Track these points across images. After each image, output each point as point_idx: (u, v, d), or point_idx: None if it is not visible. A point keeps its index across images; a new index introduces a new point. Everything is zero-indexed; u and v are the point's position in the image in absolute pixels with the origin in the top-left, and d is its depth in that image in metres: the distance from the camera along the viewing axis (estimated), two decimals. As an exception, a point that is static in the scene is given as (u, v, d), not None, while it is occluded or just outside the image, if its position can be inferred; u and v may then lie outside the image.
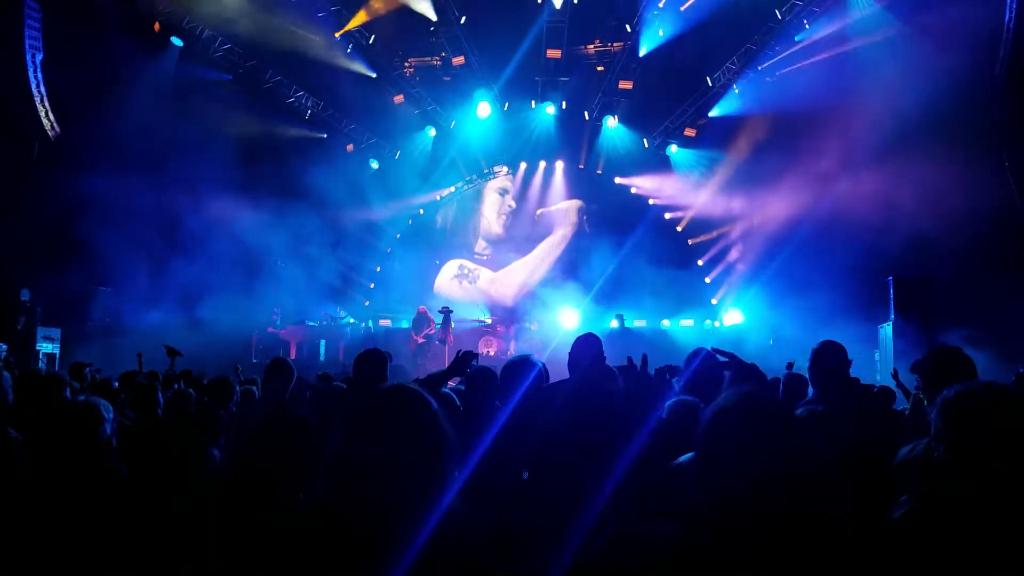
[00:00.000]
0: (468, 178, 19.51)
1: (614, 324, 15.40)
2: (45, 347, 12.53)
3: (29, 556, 2.93)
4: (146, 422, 4.73)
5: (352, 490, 1.81)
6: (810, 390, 4.10)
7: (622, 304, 17.96)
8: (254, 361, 15.00)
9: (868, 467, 2.68)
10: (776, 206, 15.28)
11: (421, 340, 15.68)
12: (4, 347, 11.08)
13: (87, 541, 2.98)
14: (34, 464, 3.33)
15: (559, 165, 19.40)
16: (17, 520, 3.00)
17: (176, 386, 6.16)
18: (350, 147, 18.48)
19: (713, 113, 16.50)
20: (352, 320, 17.42)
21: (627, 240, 18.70)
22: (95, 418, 3.16)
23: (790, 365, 6.94)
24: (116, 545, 3.05)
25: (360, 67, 17.14)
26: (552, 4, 16.40)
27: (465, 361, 4.44)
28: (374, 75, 17.41)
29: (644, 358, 4.78)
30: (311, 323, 16.60)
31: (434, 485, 1.85)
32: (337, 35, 16.48)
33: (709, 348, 4.45)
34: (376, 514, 1.78)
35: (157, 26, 14.28)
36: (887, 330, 11.77)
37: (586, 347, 4.18)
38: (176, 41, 14.45)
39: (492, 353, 15.73)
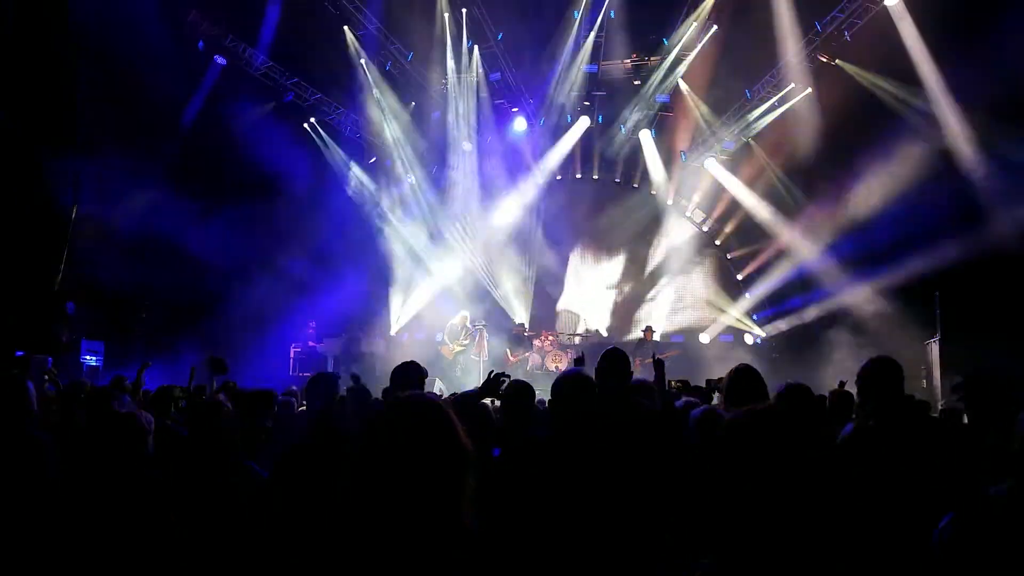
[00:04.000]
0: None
1: (648, 337, 15.22)
2: (89, 360, 12.77)
3: (61, 561, 2.96)
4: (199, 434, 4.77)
5: (367, 499, 1.79)
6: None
7: (656, 317, 17.85)
8: (291, 374, 15.18)
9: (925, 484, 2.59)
10: (817, 219, 15.10)
11: (459, 349, 15.46)
12: (49, 359, 11.31)
13: (125, 548, 3.00)
14: (73, 470, 3.38)
15: (594, 180, 19.40)
16: (47, 522, 3.04)
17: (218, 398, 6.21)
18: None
19: (753, 127, 16.34)
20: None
21: (663, 255, 18.63)
22: (140, 430, 3.22)
23: (842, 383, 6.78)
24: (153, 553, 3.07)
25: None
26: (588, 19, 16.43)
27: (496, 382, 4.41)
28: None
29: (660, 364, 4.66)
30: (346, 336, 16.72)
31: (448, 496, 1.81)
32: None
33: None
34: (390, 523, 1.75)
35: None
36: (933, 347, 11.50)
37: (613, 363, 4.10)
38: (219, 60, 14.75)
39: (526, 367, 15.63)
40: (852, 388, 5.88)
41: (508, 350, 15.65)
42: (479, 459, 1.96)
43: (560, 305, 19.18)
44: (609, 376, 4.04)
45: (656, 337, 15.97)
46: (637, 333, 18.24)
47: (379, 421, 1.89)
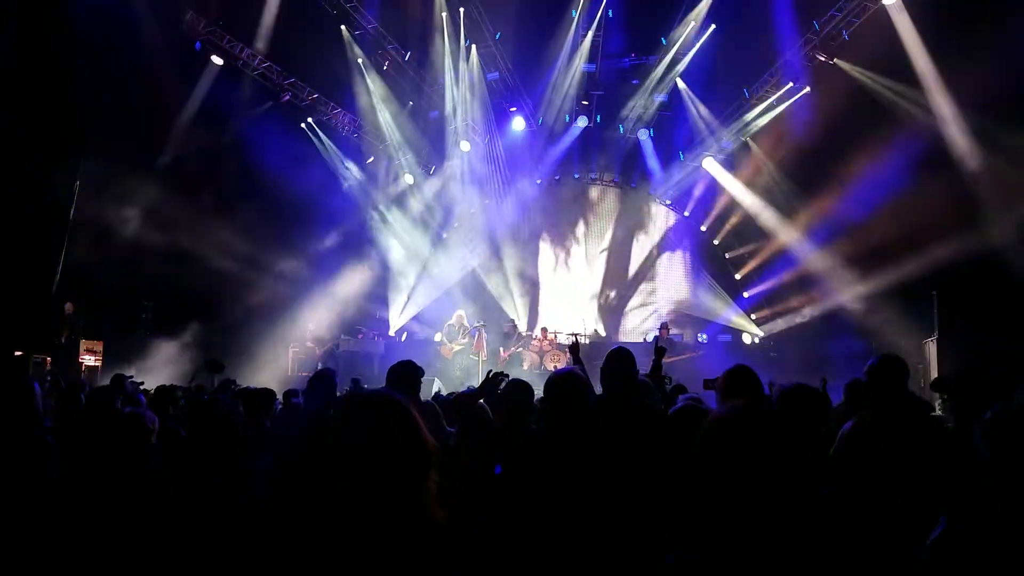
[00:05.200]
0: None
1: (664, 334, 15.19)
2: (88, 360, 12.76)
3: (66, 560, 2.97)
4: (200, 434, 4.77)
5: (337, 496, 1.82)
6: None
7: (654, 319, 17.87)
8: (290, 375, 15.17)
9: (923, 481, 2.60)
10: (815, 217, 15.11)
11: (458, 348, 15.45)
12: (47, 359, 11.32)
13: (129, 547, 3.01)
14: (76, 470, 3.39)
15: (592, 179, 19.43)
16: (52, 523, 3.05)
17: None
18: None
19: (751, 126, 16.35)
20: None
21: (662, 254, 18.66)
22: (144, 430, 3.24)
23: (824, 381, 6.77)
24: (158, 551, 3.07)
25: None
26: (587, 18, 16.44)
27: (495, 382, 4.42)
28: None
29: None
30: (346, 337, 16.71)
31: (409, 491, 1.84)
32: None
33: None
34: (357, 519, 1.77)
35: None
36: (931, 346, 11.51)
37: (619, 362, 4.11)
38: (216, 60, 14.71)
39: (525, 367, 15.64)
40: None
41: (501, 347, 15.70)
42: (478, 460, 1.98)
43: (559, 304, 19.18)
44: (614, 376, 4.06)
45: (657, 335, 15.95)
46: (635, 331, 18.31)
47: (337, 419, 1.92)
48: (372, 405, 1.94)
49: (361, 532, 1.77)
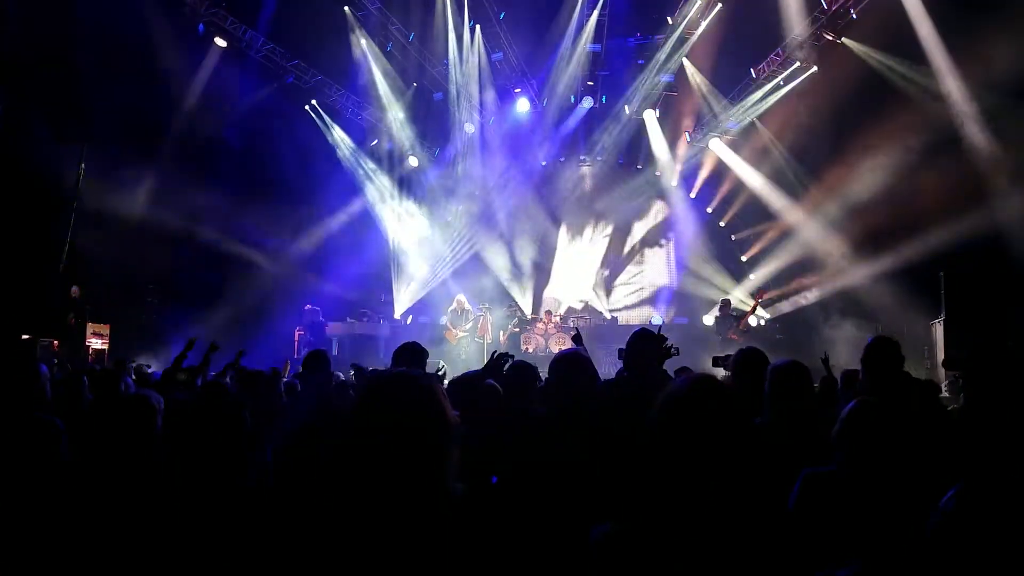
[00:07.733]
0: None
1: (727, 311, 15.10)
2: (95, 343, 12.82)
3: (72, 542, 2.98)
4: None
5: (356, 472, 1.82)
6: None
7: (659, 302, 17.86)
8: (295, 357, 15.23)
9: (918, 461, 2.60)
10: (822, 199, 15.03)
11: (463, 334, 15.47)
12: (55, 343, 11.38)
13: (135, 529, 3.02)
14: (83, 453, 3.40)
15: (598, 160, 19.33)
16: (60, 506, 3.06)
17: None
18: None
19: (757, 106, 16.22)
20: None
21: (668, 235, 18.60)
22: (150, 410, 3.24)
23: (825, 359, 6.73)
24: (162, 535, 3.09)
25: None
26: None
27: (499, 363, 4.42)
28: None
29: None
30: (351, 320, 16.75)
31: (431, 466, 1.85)
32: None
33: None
34: (378, 495, 1.78)
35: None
36: (938, 327, 11.49)
37: (640, 343, 4.10)
38: (219, 42, 14.63)
39: (530, 350, 15.68)
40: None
41: (501, 330, 15.75)
42: (477, 441, 1.99)
43: (563, 287, 19.17)
44: (637, 357, 4.05)
45: (663, 318, 15.96)
46: (641, 312, 18.31)
47: (362, 400, 1.91)
48: (399, 385, 1.94)
49: (384, 509, 1.78)
